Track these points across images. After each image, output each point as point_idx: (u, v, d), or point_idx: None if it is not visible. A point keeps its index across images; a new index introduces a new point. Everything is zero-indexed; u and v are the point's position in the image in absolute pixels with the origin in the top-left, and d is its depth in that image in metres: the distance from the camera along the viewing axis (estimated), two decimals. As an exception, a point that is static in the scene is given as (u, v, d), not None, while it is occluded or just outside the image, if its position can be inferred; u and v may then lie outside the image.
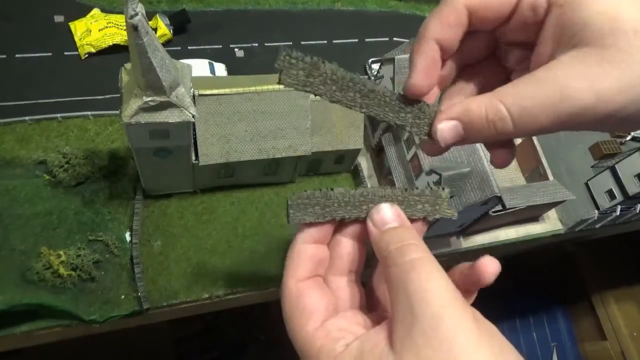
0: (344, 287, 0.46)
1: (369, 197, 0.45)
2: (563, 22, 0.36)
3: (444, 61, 0.43)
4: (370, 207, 0.45)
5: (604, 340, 2.90)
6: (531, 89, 0.36)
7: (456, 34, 0.40)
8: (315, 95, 0.42)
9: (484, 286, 0.44)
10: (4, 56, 1.44)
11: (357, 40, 1.83)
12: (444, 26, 0.40)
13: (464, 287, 0.44)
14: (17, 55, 1.45)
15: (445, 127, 0.41)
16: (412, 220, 0.46)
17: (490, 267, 0.42)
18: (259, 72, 1.18)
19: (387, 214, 0.43)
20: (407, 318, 0.35)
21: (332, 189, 0.45)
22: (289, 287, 0.43)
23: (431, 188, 0.47)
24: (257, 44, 1.69)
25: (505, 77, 0.47)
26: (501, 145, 0.44)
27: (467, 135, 0.41)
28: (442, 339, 0.33)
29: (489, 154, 0.48)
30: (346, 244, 0.46)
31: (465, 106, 0.40)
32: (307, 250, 0.45)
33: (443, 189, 0.48)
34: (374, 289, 0.49)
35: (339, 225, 0.47)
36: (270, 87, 1.16)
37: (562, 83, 0.35)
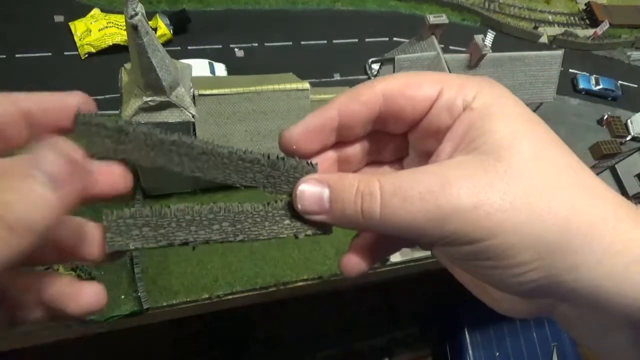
0: None
1: (220, 214, 0.37)
2: (470, 125, 0.35)
3: (349, 142, 0.41)
4: (225, 227, 0.38)
5: (604, 340, 2.90)
6: (413, 175, 0.34)
7: (361, 111, 0.38)
8: (135, 162, 0.37)
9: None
10: (4, 56, 1.45)
11: (357, 40, 1.83)
12: (353, 100, 0.38)
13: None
14: (17, 55, 1.45)
15: (308, 190, 0.36)
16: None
17: None
18: (259, 72, 1.18)
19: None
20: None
21: (168, 206, 0.37)
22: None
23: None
24: (257, 44, 1.70)
25: None
26: (362, 248, 0.39)
27: (330, 207, 0.36)
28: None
29: None
30: None
31: (342, 174, 0.37)
32: None
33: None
34: None
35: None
36: (270, 87, 1.16)
37: (446, 177, 0.33)
